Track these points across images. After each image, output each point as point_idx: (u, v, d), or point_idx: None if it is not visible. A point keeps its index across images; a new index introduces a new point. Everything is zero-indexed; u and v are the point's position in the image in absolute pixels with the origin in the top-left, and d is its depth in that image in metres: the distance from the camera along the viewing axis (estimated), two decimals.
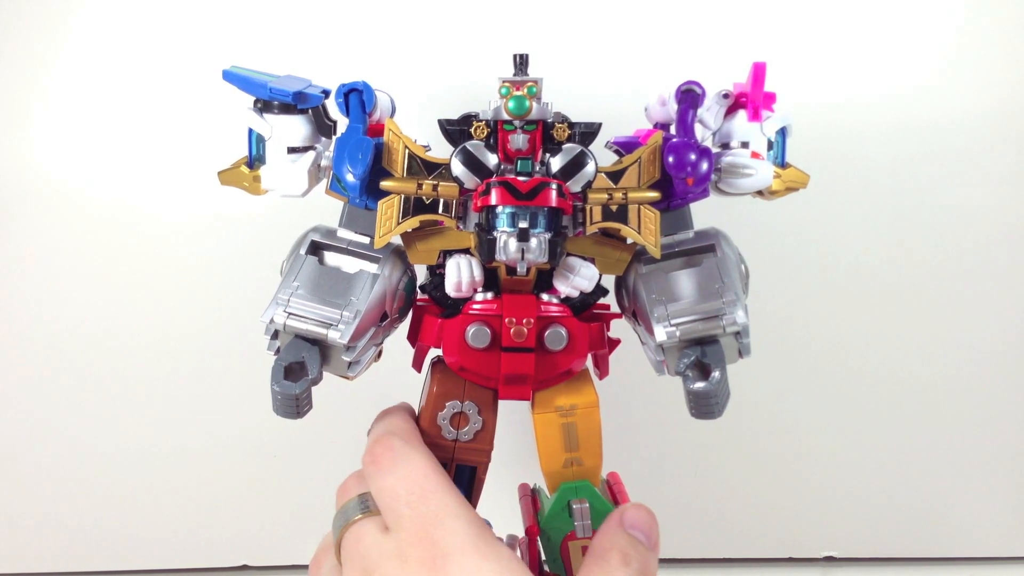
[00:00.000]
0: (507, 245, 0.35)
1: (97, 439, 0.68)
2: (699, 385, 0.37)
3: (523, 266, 0.36)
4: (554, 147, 0.37)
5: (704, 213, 0.40)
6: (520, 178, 0.35)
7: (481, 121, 0.37)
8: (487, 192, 0.35)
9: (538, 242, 0.35)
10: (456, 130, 0.37)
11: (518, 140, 0.36)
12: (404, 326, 0.42)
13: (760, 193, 0.39)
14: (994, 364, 0.67)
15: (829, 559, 0.73)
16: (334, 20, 0.60)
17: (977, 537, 0.72)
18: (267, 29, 0.60)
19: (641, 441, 0.67)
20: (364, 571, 0.34)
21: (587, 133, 0.37)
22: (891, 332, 0.67)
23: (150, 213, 0.63)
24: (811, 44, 0.60)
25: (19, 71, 0.61)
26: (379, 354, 0.42)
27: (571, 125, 0.37)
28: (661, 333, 0.37)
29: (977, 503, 0.71)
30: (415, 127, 0.42)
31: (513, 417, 0.43)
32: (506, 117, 0.36)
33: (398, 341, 0.42)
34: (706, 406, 0.37)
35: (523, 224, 0.35)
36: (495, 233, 0.35)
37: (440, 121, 0.38)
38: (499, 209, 0.35)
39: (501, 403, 0.41)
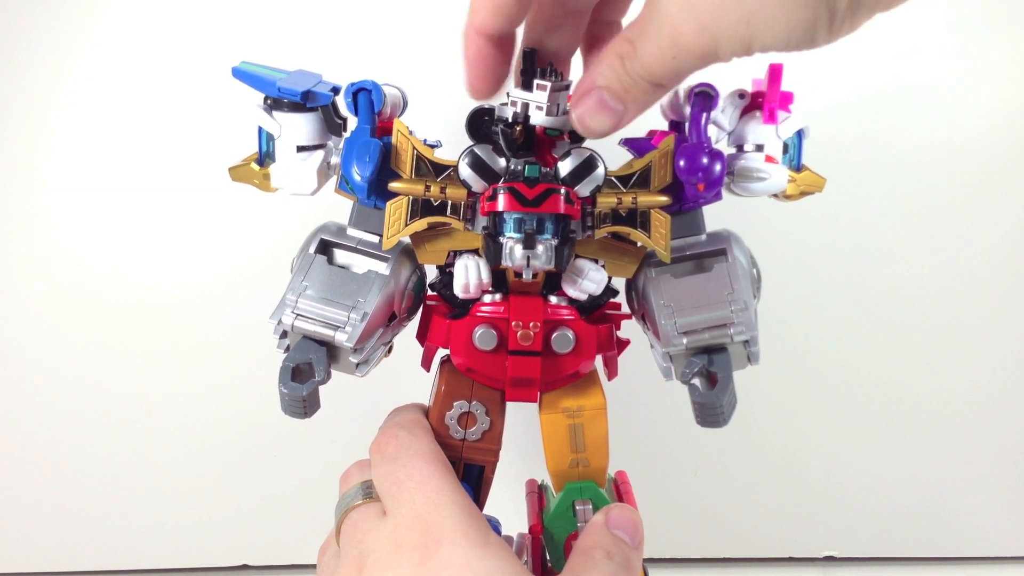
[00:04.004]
0: (513, 251, 0.35)
1: (97, 439, 0.68)
2: (704, 395, 0.37)
3: (528, 272, 0.36)
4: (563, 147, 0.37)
5: (715, 213, 0.40)
6: (527, 184, 0.35)
7: (501, 121, 0.37)
8: (494, 197, 0.35)
9: (544, 249, 0.35)
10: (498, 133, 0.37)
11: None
12: (413, 325, 0.42)
13: (775, 196, 0.39)
14: (994, 364, 0.68)
15: (829, 559, 0.73)
16: (347, 13, 0.60)
17: (977, 537, 0.72)
18: (280, 23, 0.60)
19: (642, 440, 0.67)
20: (360, 556, 0.34)
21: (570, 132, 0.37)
22: (892, 333, 0.67)
23: (158, 209, 0.63)
24: (830, 45, 0.60)
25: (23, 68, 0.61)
26: (390, 350, 0.42)
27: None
28: (668, 341, 0.37)
29: (977, 503, 0.71)
30: (426, 123, 0.41)
31: (522, 416, 0.43)
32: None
33: (405, 340, 0.42)
34: (712, 415, 0.37)
35: (529, 231, 0.35)
36: (502, 239, 0.35)
37: (467, 128, 0.38)
38: (506, 214, 0.35)
39: (510, 403, 0.41)
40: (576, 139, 0.38)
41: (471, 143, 0.37)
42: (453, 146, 0.38)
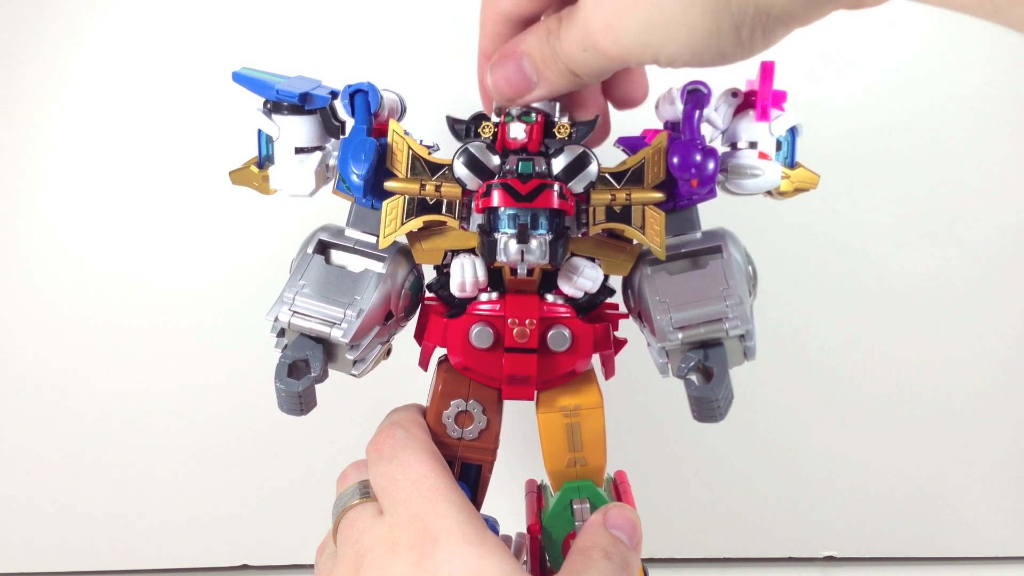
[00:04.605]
0: (507, 247, 0.35)
1: (97, 439, 0.68)
2: (699, 389, 0.37)
3: (523, 267, 0.36)
4: (555, 143, 0.37)
5: (712, 212, 0.40)
6: (521, 179, 0.35)
7: (490, 122, 0.37)
8: (488, 194, 0.36)
9: (538, 243, 0.35)
10: (463, 128, 0.37)
11: (515, 129, 0.36)
12: (411, 324, 0.43)
13: (770, 193, 0.39)
14: (994, 364, 0.68)
15: (829, 559, 0.73)
16: (348, 19, 0.60)
17: (977, 537, 0.72)
18: (281, 29, 0.60)
19: (642, 440, 0.67)
20: (356, 555, 0.34)
21: (584, 126, 0.37)
22: (891, 332, 0.67)
23: (159, 211, 0.63)
24: (823, 41, 0.60)
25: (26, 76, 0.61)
26: (388, 351, 0.42)
27: (573, 124, 0.37)
28: (664, 336, 0.37)
29: (977, 503, 0.71)
30: (425, 127, 0.42)
31: (520, 416, 0.43)
32: (503, 107, 0.37)
33: (405, 340, 0.43)
34: (708, 410, 0.37)
35: (523, 224, 0.35)
36: (496, 235, 0.35)
37: (448, 117, 0.38)
38: (500, 211, 0.35)
39: (508, 402, 0.41)
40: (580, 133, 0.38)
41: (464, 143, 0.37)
42: (450, 148, 0.38)
